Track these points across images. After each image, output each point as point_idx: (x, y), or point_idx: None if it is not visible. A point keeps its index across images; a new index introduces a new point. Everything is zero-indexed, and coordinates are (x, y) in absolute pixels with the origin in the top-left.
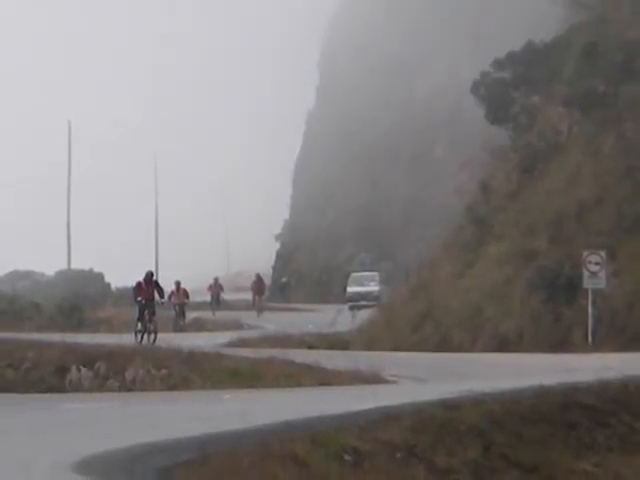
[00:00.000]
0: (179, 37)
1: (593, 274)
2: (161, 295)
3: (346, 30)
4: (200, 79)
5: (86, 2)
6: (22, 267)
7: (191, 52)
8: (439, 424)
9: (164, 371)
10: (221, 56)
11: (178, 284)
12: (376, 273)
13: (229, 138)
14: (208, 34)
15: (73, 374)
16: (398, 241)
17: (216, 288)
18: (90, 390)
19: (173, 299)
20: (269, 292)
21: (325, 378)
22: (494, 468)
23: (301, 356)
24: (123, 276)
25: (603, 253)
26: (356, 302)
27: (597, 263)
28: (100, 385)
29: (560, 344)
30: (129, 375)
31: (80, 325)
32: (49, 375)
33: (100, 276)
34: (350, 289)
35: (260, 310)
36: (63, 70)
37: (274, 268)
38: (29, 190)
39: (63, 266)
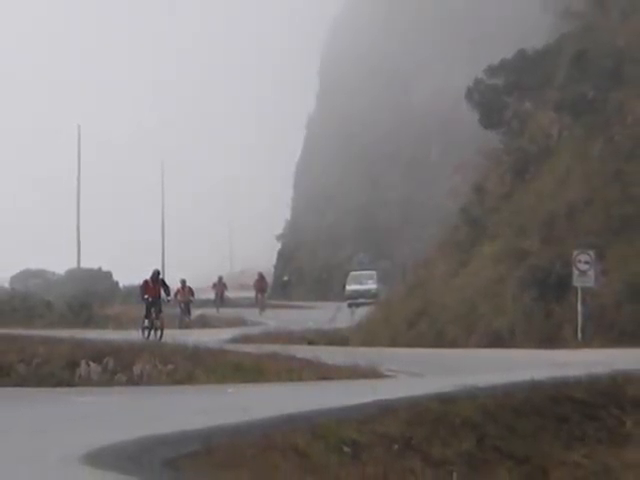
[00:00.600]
0: (183, 42)
1: (583, 273)
2: (167, 293)
3: (346, 37)
4: (204, 84)
5: (95, 6)
6: (34, 266)
7: (194, 56)
8: (434, 417)
9: (170, 366)
10: (224, 62)
11: (183, 282)
12: (374, 272)
13: (232, 142)
14: (212, 39)
15: (82, 369)
16: (395, 241)
17: (220, 286)
18: (99, 384)
19: (179, 297)
20: (271, 290)
21: (325, 373)
22: (487, 459)
23: (302, 352)
24: (130, 275)
25: (592, 253)
26: (355, 300)
27: (586, 262)
28: (108, 379)
29: (551, 340)
30: (136, 370)
31: (89, 322)
32: (59, 370)
33: (108, 275)
34: (349, 287)
35: (262, 307)
36: (72, 72)
37: (276, 267)
38: (40, 191)
39: (73, 265)
